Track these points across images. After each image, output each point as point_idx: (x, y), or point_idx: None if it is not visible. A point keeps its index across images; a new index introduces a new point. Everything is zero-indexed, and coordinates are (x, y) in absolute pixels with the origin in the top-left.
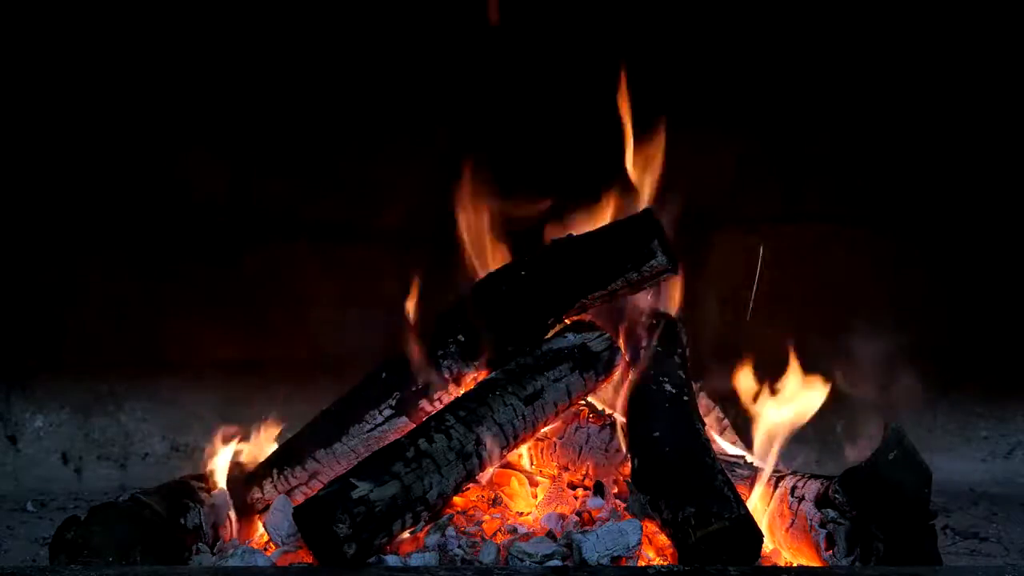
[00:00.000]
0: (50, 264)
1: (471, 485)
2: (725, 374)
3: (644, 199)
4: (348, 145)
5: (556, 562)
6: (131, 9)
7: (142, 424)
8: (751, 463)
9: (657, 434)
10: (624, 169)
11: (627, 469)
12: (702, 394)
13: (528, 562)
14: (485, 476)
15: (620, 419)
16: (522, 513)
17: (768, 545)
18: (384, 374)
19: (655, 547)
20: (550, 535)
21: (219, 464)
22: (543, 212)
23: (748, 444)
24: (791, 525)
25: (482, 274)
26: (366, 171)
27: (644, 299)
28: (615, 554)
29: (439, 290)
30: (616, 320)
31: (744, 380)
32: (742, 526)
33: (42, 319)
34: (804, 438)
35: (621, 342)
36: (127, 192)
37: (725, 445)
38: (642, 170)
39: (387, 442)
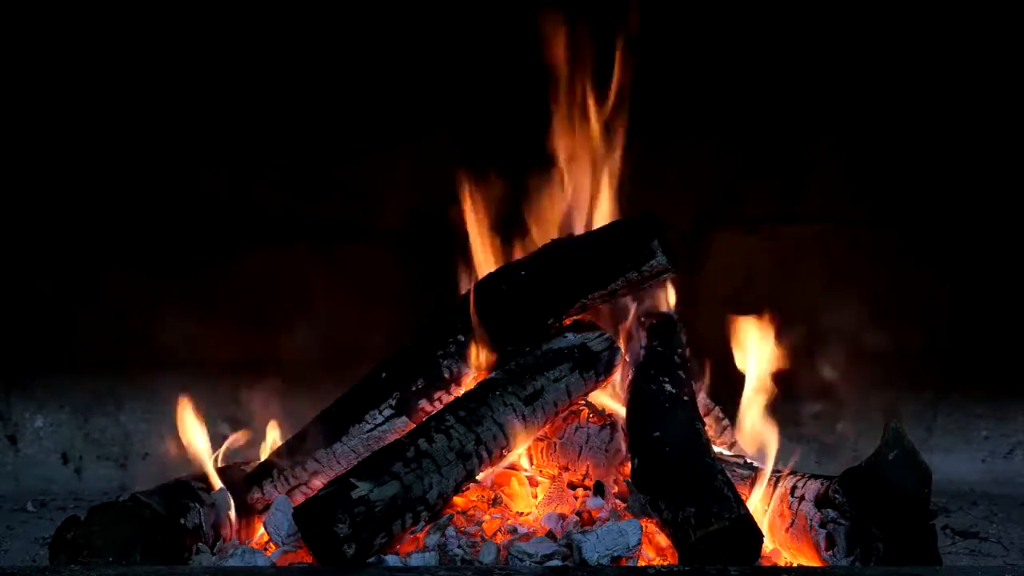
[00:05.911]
0: (50, 264)
1: (471, 485)
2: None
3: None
4: (347, 145)
5: (556, 562)
6: (132, 9)
7: (142, 424)
8: (751, 463)
9: (657, 434)
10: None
11: (627, 469)
12: (702, 394)
13: (528, 562)
14: (485, 476)
15: (620, 419)
16: (522, 513)
17: (768, 545)
18: (384, 374)
19: (655, 547)
20: (550, 535)
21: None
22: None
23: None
24: (791, 525)
25: (482, 273)
26: (365, 171)
27: (644, 299)
28: (615, 554)
29: (439, 290)
30: (616, 320)
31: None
32: (742, 526)
33: (42, 319)
34: (804, 438)
35: (621, 342)
36: (127, 192)
37: (724, 448)
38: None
39: (387, 442)
